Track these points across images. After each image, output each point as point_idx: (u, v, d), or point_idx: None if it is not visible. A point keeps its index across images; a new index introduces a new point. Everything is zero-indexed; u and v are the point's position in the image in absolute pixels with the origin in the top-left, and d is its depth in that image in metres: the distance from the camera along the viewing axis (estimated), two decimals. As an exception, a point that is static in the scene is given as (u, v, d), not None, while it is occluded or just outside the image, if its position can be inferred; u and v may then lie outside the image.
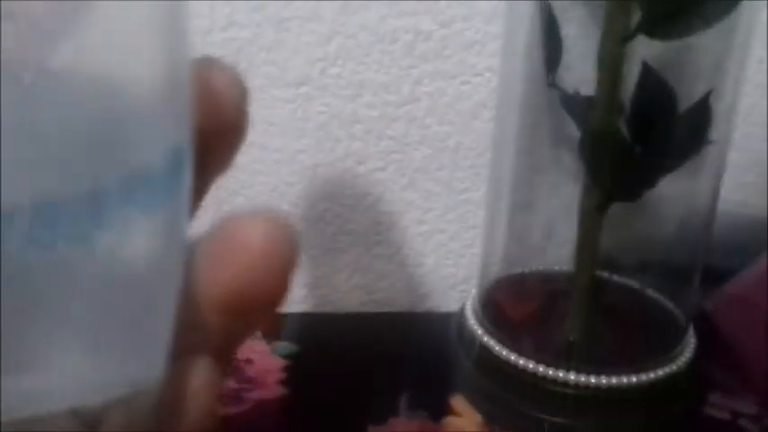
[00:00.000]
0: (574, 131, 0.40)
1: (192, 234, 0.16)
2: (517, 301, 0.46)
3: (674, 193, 0.41)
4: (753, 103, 0.49)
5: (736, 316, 0.44)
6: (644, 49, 0.37)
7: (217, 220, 0.17)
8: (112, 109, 0.14)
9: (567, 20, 0.39)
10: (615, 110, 0.38)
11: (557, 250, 0.44)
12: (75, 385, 0.14)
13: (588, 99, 0.38)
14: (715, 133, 0.39)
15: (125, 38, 0.14)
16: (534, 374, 0.41)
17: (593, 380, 0.40)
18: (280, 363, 0.45)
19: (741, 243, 0.46)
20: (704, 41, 0.38)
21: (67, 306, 0.14)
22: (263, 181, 0.49)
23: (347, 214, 0.50)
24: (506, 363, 0.41)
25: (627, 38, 0.36)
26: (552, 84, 0.40)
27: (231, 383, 0.43)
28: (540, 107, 0.41)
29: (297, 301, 0.51)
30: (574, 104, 0.40)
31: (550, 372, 0.40)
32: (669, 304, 0.44)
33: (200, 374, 0.16)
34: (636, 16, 0.36)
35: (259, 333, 0.47)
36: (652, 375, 0.40)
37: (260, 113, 0.47)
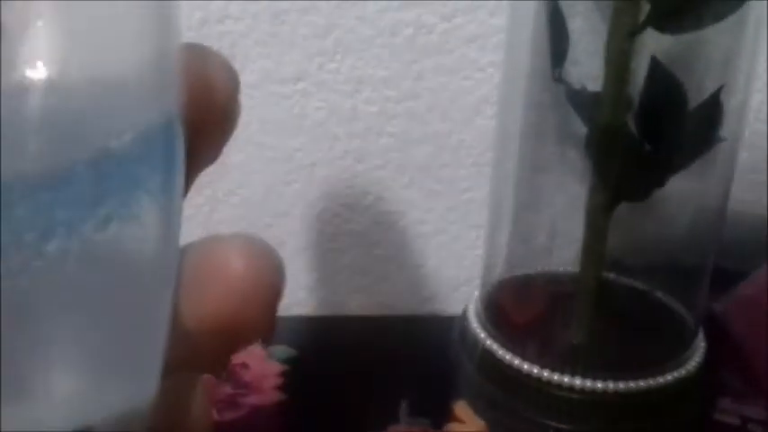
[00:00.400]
0: (580, 128, 0.40)
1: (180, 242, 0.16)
2: (521, 304, 0.46)
3: (683, 192, 0.41)
4: (763, 100, 0.49)
5: (747, 318, 0.44)
6: (653, 44, 0.37)
7: (198, 241, 0.16)
8: (97, 96, 0.14)
9: (574, 13, 0.39)
10: (623, 106, 0.38)
11: (562, 251, 0.44)
12: (73, 408, 0.14)
13: (595, 95, 0.38)
14: (725, 131, 0.39)
15: (111, 22, 0.14)
16: (539, 379, 0.41)
17: (599, 385, 0.40)
18: (277, 367, 0.45)
19: (752, 244, 0.46)
20: (714, 36, 0.38)
21: (61, 318, 0.14)
22: (258, 180, 0.49)
23: (346, 214, 0.50)
24: (510, 367, 0.41)
25: (635, 32, 0.36)
26: (558, 79, 0.40)
27: (227, 388, 0.43)
28: (545, 103, 0.41)
29: (294, 303, 0.51)
30: (580, 100, 0.40)
31: (555, 376, 0.40)
32: (678, 307, 0.44)
33: (194, 392, 0.16)
34: (644, 10, 0.36)
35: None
36: (660, 380, 0.41)
37: (255, 110, 0.47)
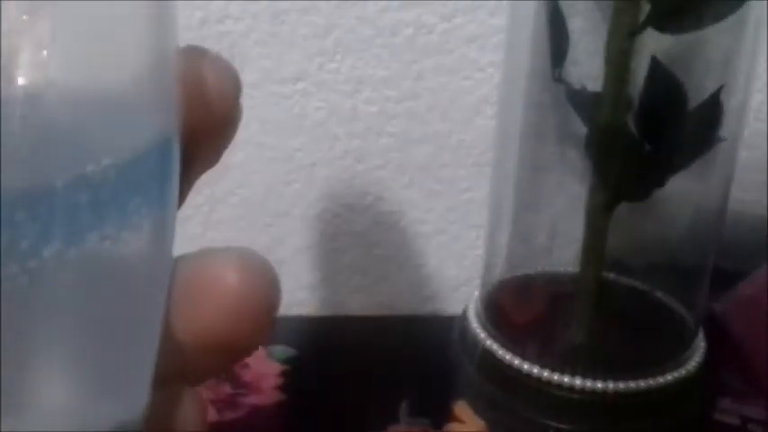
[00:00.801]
0: (580, 128, 0.40)
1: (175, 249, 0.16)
2: (521, 304, 0.46)
3: (683, 192, 0.41)
4: (764, 100, 0.49)
5: (747, 318, 0.44)
6: (653, 44, 0.37)
7: (191, 254, 0.16)
8: (94, 101, 0.13)
9: (574, 13, 0.39)
10: (623, 106, 0.38)
11: (562, 251, 0.44)
12: (64, 422, 0.14)
13: (595, 95, 0.38)
14: (725, 131, 0.39)
15: (109, 25, 0.13)
16: (539, 379, 0.40)
17: (599, 385, 0.40)
18: (277, 367, 0.45)
19: (752, 244, 0.46)
20: (714, 36, 0.38)
21: (52, 331, 0.13)
22: (258, 180, 0.49)
23: (346, 214, 0.50)
24: (510, 367, 0.41)
25: (635, 32, 0.36)
26: (558, 79, 0.40)
27: (226, 389, 0.43)
28: (545, 103, 0.41)
29: (295, 303, 0.51)
30: (580, 100, 0.40)
31: (555, 376, 0.40)
32: (678, 307, 0.44)
33: (187, 405, 0.16)
34: (644, 9, 0.36)
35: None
36: (660, 380, 0.40)
37: (255, 110, 0.47)
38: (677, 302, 0.44)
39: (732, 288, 0.45)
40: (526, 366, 0.41)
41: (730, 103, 0.39)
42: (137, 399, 0.15)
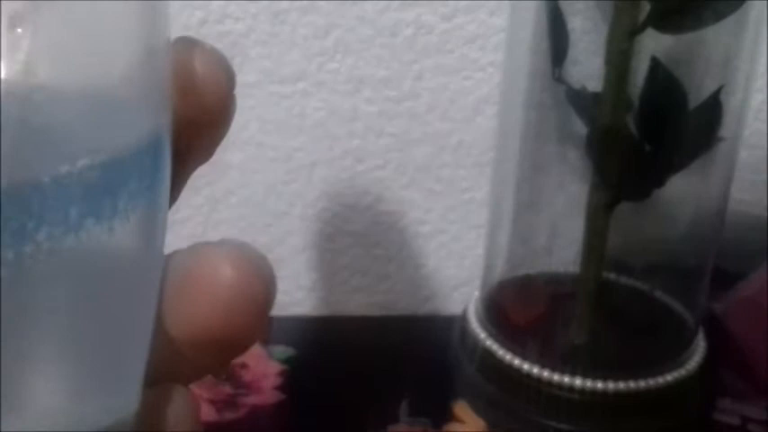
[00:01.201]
0: (580, 128, 0.40)
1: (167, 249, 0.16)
2: (521, 304, 0.46)
3: (683, 192, 0.41)
4: (764, 100, 0.49)
5: (747, 318, 0.44)
6: (653, 44, 0.37)
7: (185, 249, 0.16)
8: (83, 97, 0.13)
9: (574, 13, 0.39)
10: (623, 106, 0.38)
11: (562, 251, 0.44)
12: (55, 422, 0.14)
13: (595, 95, 0.38)
14: (725, 131, 0.39)
15: (98, 18, 0.13)
16: (539, 379, 0.40)
17: (599, 385, 0.40)
18: (276, 367, 0.45)
19: (752, 244, 0.46)
20: (714, 36, 0.38)
21: (41, 330, 0.13)
22: (258, 180, 0.49)
23: (346, 214, 0.50)
24: (510, 367, 0.41)
25: (635, 32, 0.36)
26: (558, 79, 0.40)
27: (226, 389, 0.43)
28: (545, 103, 0.41)
29: (294, 303, 0.51)
30: (580, 100, 0.40)
31: (555, 377, 0.40)
32: (678, 307, 0.44)
33: (180, 403, 0.16)
34: (645, 9, 0.36)
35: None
36: (660, 380, 0.40)
37: (255, 110, 0.47)
38: (677, 302, 0.44)
39: (732, 288, 0.45)
40: (526, 366, 0.41)
41: (730, 103, 0.39)
42: (128, 397, 0.15)
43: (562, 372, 0.40)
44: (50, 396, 0.14)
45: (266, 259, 0.16)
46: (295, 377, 0.44)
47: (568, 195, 0.42)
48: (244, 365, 0.44)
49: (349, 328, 0.50)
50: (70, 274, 0.13)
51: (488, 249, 0.46)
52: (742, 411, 0.42)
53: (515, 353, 0.41)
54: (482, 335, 0.43)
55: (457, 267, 0.52)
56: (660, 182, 0.39)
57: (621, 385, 0.40)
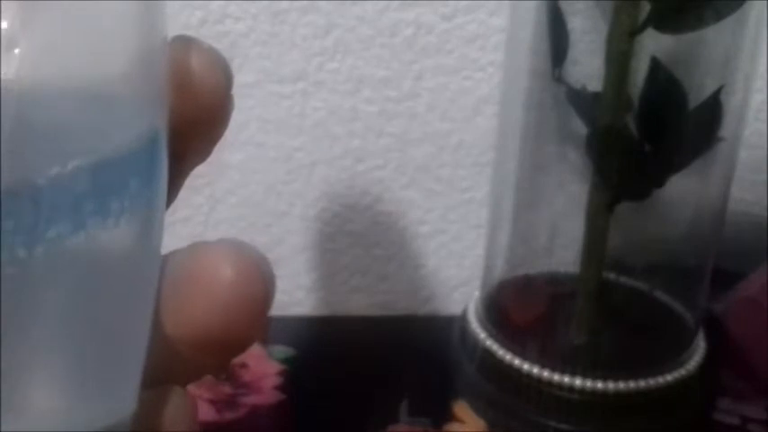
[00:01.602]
0: (580, 128, 0.40)
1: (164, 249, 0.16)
2: (521, 304, 0.46)
3: (683, 192, 0.41)
4: (764, 100, 0.49)
5: (748, 319, 0.44)
6: (653, 44, 0.37)
7: (184, 248, 0.16)
8: (79, 97, 0.13)
9: (574, 13, 0.39)
10: (623, 106, 0.38)
11: (562, 251, 0.44)
12: (52, 424, 0.14)
13: (595, 95, 0.38)
14: (725, 130, 0.39)
15: (95, 17, 0.13)
16: (539, 379, 0.40)
17: (599, 385, 0.40)
18: (276, 367, 0.45)
19: (752, 244, 0.46)
20: (714, 36, 0.38)
21: (38, 331, 0.13)
22: (258, 180, 0.49)
23: (346, 214, 0.50)
24: (510, 367, 0.41)
25: (635, 32, 0.36)
26: (558, 79, 0.40)
27: (226, 389, 0.43)
28: (545, 103, 0.41)
29: (294, 303, 0.51)
30: (580, 100, 0.40)
31: (555, 377, 0.40)
32: (678, 307, 0.44)
33: (178, 404, 0.16)
34: (645, 9, 0.36)
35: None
36: (660, 380, 0.40)
37: (255, 110, 0.47)
38: (677, 302, 0.44)
39: (732, 288, 0.45)
40: (526, 366, 0.41)
41: (730, 103, 0.39)
42: (125, 397, 0.15)
43: (562, 372, 0.40)
44: (49, 396, 0.14)
45: (266, 259, 0.16)
46: (295, 377, 0.44)
47: (568, 195, 0.42)
48: (244, 365, 0.44)
49: (349, 328, 0.50)
50: (67, 274, 0.13)
51: (488, 249, 0.46)
52: (742, 411, 0.42)
53: (515, 353, 0.41)
54: (482, 335, 0.43)
55: (457, 267, 0.51)
56: (660, 182, 0.39)
57: (621, 385, 0.40)
